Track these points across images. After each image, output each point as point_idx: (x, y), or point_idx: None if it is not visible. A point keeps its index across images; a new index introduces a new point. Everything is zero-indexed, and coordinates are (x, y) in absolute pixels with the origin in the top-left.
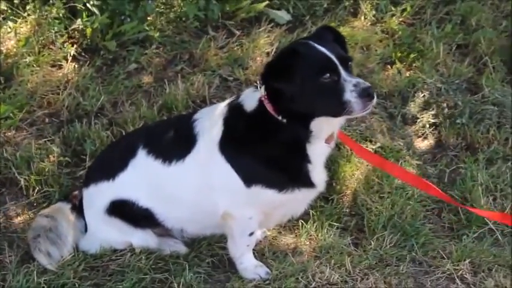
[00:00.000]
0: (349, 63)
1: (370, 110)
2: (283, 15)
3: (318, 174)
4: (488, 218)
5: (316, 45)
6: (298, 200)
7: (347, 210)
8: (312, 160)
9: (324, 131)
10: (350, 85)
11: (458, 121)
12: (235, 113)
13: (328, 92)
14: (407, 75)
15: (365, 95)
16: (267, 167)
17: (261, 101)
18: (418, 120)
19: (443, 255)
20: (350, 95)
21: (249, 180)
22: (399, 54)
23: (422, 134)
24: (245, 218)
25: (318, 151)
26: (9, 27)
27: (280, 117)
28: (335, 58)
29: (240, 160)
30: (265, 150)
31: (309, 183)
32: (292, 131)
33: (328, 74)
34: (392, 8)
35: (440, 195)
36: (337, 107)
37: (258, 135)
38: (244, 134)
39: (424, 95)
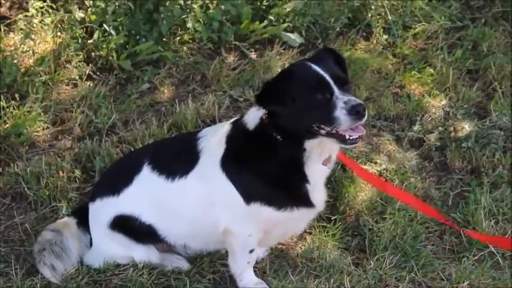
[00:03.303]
0: (346, 83)
1: (362, 133)
2: (296, 38)
3: (318, 194)
4: (487, 243)
5: (312, 65)
6: (297, 219)
7: (349, 231)
8: (311, 180)
9: (319, 152)
10: (341, 102)
11: (464, 145)
12: (238, 130)
13: (321, 109)
14: (416, 98)
15: (354, 112)
16: (266, 184)
17: (262, 120)
18: (425, 143)
19: (443, 277)
20: (340, 112)
21: (248, 197)
22: (409, 78)
23: (428, 157)
24: (245, 235)
25: (317, 172)
26: (28, 46)
27: (277, 136)
28: (329, 77)
29: (240, 177)
30: (264, 168)
31: (308, 203)
32: (289, 150)
33: (320, 93)
34: (404, 33)
35: (440, 218)
36: (327, 124)
37: (258, 153)
38: (245, 151)
39: (431, 119)
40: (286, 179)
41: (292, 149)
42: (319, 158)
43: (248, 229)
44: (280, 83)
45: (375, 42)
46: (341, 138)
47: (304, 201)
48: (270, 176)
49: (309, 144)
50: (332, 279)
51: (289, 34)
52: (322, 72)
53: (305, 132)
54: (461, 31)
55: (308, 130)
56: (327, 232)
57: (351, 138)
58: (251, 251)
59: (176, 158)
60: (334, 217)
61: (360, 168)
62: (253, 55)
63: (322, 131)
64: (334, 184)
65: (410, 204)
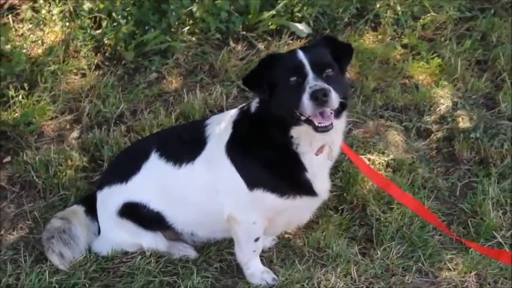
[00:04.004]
0: (326, 69)
1: (328, 121)
2: (303, 29)
3: (321, 183)
4: (488, 255)
5: (297, 50)
6: (301, 207)
7: (356, 220)
8: (309, 170)
9: (308, 141)
10: (308, 87)
11: (472, 135)
12: (243, 115)
13: (293, 92)
14: (424, 89)
15: (314, 97)
16: (268, 171)
17: (259, 104)
18: (433, 134)
19: (450, 267)
20: (305, 96)
21: (251, 183)
22: (417, 69)
23: (436, 148)
24: (249, 223)
25: (315, 161)
26: (37, 36)
27: (267, 120)
28: (308, 62)
29: (243, 163)
30: (264, 154)
31: (310, 192)
32: (277, 136)
33: (295, 77)
34: (413, 23)
35: (439, 225)
36: (294, 107)
37: (258, 138)
38: (248, 136)
39: (439, 109)
40: (284, 166)
41: (280, 135)
42: (310, 148)
43: (252, 217)
44: (262, 67)
45: (383, 32)
46: (313, 125)
47: (307, 189)
48: (269, 163)
49: (296, 132)
50: (339, 269)
51: (297, 24)
52: (302, 57)
53: (289, 118)
54: (470, 21)
55: (291, 115)
56: (334, 222)
57: (320, 125)
58: (256, 240)
59: (184, 144)
60: (342, 207)
61: (366, 164)
62: (261, 45)
63: (302, 117)
64: (341, 174)
65: (410, 208)
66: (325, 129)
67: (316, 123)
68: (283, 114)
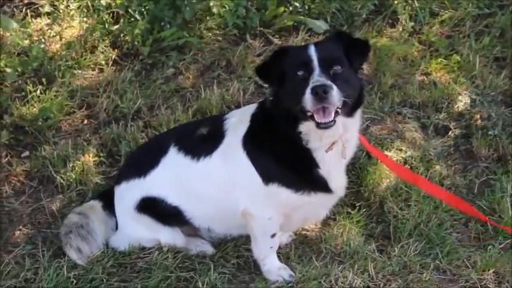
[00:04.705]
0: (333, 65)
1: (328, 119)
2: (321, 25)
3: (336, 180)
4: None
5: (310, 46)
6: (317, 203)
7: (374, 217)
8: (322, 166)
9: (318, 137)
10: (311, 82)
11: (490, 132)
12: (260, 109)
13: (298, 86)
14: (442, 86)
15: (314, 92)
16: (281, 165)
17: (272, 98)
18: (451, 131)
19: (468, 265)
20: (307, 91)
21: (266, 177)
22: (435, 66)
23: (454, 145)
24: (264, 218)
25: (327, 158)
26: (55, 32)
27: (277, 114)
28: (316, 58)
29: (259, 156)
30: (279, 149)
31: (325, 188)
32: (286, 131)
33: (302, 71)
34: (431, 20)
35: (477, 214)
36: (299, 101)
37: (272, 132)
38: (263, 130)
39: (457, 106)
40: (297, 162)
41: (289, 130)
42: (320, 144)
43: (268, 212)
44: (274, 58)
45: (401, 29)
46: (315, 122)
47: (322, 186)
48: (283, 157)
49: (304, 127)
50: (356, 266)
51: (315, 21)
52: (311, 52)
53: (296, 112)
54: (488, 18)
55: (300, 109)
56: (351, 218)
57: (320, 122)
58: (273, 236)
59: (202, 138)
60: (359, 204)
61: (391, 161)
62: (278, 41)
63: (309, 113)
64: (358, 171)
65: (443, 200)
66: (325, 126)
67: (317, 120)
68: (290, 108)
